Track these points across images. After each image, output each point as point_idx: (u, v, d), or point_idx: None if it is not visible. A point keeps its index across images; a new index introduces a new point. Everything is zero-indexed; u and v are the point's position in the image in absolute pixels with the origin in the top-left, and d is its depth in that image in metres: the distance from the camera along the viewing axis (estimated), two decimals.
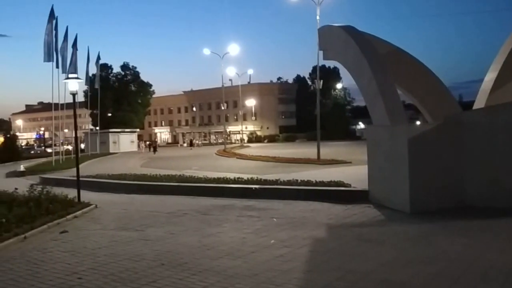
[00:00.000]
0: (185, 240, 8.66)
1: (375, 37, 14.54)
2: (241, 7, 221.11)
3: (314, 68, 72.50)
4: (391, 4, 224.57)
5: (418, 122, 18.36)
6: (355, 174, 16.32)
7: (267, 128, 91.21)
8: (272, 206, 12.23)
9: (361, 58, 12.66)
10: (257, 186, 14.29)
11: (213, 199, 13.81)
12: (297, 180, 14.93)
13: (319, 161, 26.24)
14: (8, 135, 49.55)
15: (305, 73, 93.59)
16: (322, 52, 15.80)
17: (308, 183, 14.45)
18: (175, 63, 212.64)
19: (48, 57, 30.39)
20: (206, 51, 58.73)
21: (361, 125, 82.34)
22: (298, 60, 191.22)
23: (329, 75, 75.18)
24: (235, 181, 15.91)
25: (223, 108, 68.31)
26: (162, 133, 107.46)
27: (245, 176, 16.74)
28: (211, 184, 15.78)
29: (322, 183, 14.18)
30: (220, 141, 78.26)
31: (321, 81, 32.93)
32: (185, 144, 78.60)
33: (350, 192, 13.23)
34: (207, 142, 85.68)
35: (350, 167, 22.28)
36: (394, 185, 11.32)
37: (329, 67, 79.90)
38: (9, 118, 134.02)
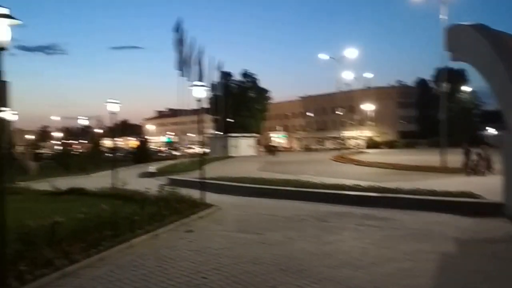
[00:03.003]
0: (303, 246, 8.62)
1: None
2: (359, 10, 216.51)
3: (438, 70, 68.11)
4: None
5: None
6: (486, 184, 14.90)
7: (385, 133, 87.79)
8: (393, 216, 11.66)
9: (495, 59, 11.52)
10: None
11: (330, 205, 13.60)
12: (419, 189, 14.07)
13: (443, 170, 24.49)
14: (141, 139, 54.30)
15: (427, 75, 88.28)
16: (449, 53, 14.70)
17: (432, 192, 13.52)
18: (292, 69, 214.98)
19: (178, 66, 32.85)
20: (323, 56, 58.43)
21: (490, 131, 75.20)
22: (419, 63, 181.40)
23: (455, 77, 70.01)
24: (353, 188, 15.50)
25: (339, 113, 67.39)
26: (278, 138, 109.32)
27: (363, 183, 16.23)
28: (328, 190, 15.57)
29: (448, 193, 13.18)
30: (335, 146, 77.30)
31: (446, 83, 30.76)
32: (299, 149, 78.99)
33: (482, 204, 12.10)
34: (323, 147, 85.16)
35: (479, 176, 20.41)
36: None
37: (455, 69, 74.49)
38: (142, 123, 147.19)
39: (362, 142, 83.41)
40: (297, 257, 7.78)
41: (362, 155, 49.42)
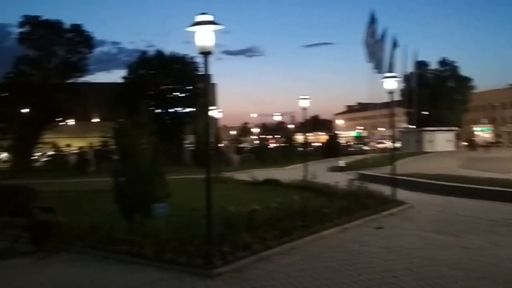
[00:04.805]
0: None
1: None
2: None
3: None
4: None
5: None
6: None
7: None
8: None
9: None
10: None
11: None
12: None
13: None
14: (331, 134, 55.08)
15: None
16: None
17: None
18: (498, 53, 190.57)
19: (369, 59, 32.23)
20: None
21: None
22: None
23: None
24: None
25: None
26: (483, 132, 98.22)
27: None
28: None
29: None
30: None
31: None
32: (510, 144, 69.47)
33: None
34: None
35: None
36: None
37: None
38: (332, 118, 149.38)
39: None
40: (505, 265, 6.85)
41: None
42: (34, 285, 6.53)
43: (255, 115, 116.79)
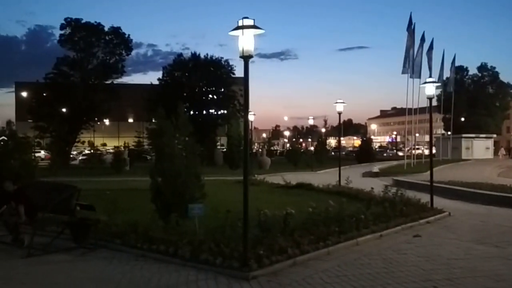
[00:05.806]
0: None
1: None
2: None
3: None
4: None
5: None
6: None
7: None
8: None
9: None
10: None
11: None
12: None
13: None
14: (364, 138, 54.34)
15: None
16: None
17: None
18: None
19: (406, 63, 31.65)
20: None
21: None
22: None
23: None
24: None
25: None
26: None
27: None
28: None
29: None
30: None
31: None
32: None
33: None
34: None
35: None
36: None
37: None
38: (365, 123, 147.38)
39: None
40: None
41: None
42: (74, 280, 6.69)
43: (286, 118, 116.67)
